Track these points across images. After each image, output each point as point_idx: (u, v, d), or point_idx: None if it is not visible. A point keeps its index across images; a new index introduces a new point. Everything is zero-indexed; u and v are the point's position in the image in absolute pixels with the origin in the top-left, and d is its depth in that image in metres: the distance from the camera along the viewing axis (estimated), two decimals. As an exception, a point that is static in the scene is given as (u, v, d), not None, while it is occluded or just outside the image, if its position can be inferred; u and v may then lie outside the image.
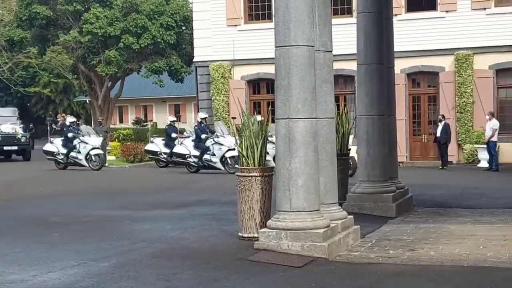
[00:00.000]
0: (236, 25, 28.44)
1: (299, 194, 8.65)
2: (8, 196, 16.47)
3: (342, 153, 12.99)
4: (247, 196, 9.42)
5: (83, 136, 25.80)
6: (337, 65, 24.15)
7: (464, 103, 25.94)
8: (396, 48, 15.34)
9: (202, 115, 25.11)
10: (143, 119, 53.28)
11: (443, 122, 24.64)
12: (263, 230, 8.82)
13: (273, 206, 9.27)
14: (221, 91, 28.60)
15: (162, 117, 52.06)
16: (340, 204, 10.22)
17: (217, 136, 23.56)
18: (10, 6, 46.14)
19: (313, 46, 8.88)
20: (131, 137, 37.53)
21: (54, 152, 26.31)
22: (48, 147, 26.67)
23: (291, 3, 8.59)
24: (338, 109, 13.84)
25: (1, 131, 32.13)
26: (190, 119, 49.55)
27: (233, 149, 21.91)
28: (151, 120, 49.91)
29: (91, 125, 37.02)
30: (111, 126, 41.21)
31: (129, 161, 30.11)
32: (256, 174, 9.41)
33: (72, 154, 25.73)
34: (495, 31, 25.39)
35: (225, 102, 28.58)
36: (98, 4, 35.08)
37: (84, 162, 25.54)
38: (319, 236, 8.46)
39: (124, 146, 31.79)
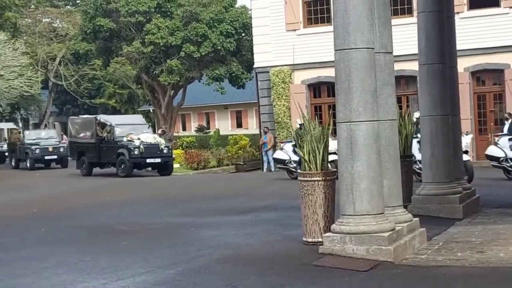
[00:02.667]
0: (295, 30, 28.45)
1: (362, 198, 8.59)
2: (78, 203, 16.85)
3: (406, 155, 12.82)
4: (310, 200, 9.40)
5: None
6: (399, 66, 23.91)
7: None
8: (458, 47, 15.08)
9: (299, 121, 22.77)
10: (205, 126, 53.81)
11: (510, 120, 24.06)
12: (327, 234, 8.79)
13: (336, 210, 9.23)
14: (281, 96, 28.65)
15: (224, 124, 52.48)
16: (405, 207, 10.10)
17: None
18: (75, 20, 47.33)
19: (373, 48, 8.82)
20: (194, 144, 37.97)
21: (285, 160, 22.55)
22: (278, 154, 23.20)
23: (350, 6, 8.56)
24: (401, 110, 13.71)
25: (143, 141, 27.24)
26: (252, 125, 49.76)
27: (465, 152, 18.87)
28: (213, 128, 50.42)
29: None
30: (174, 134, 41.74)
31: (193, 168, 30.46)
32: (318, 178, 9.39)
33: None
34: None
35: (286, 107, 28.61)
36: (159, 15, 35.63)
37: None
38: (384, 240, 8.38)
39: (188, 153, 32.18)
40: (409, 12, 26.26)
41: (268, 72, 28.96)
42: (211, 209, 14.67)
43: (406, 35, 21.44)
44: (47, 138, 36.30)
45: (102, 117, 30.60)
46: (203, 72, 36.53)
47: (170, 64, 34.74)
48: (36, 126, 54.42)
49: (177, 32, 34.52)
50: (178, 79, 35.75)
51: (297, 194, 9.96)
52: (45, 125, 51.59)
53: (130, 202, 17.17)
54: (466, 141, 19.61)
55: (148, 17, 35.80)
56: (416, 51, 13.20)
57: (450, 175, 12.86)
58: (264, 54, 28.98)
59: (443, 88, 12.91)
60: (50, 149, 34.85)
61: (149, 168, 28.49)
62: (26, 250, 10.08)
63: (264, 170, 28.32)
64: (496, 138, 21.64)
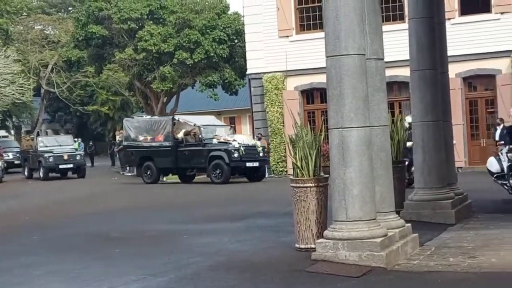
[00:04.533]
0: (288, 36, 28.51)
1: (354, 204, 8.61)
2: (73, 211, 16.83)
3: (398, 161, 12.86)
4: (303, 207, 9.42)
5: None
6: (391, 72, 24.04)
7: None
8: (450, 53, 15.15)
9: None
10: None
11: (501, 126, 24.14)
12: (319, 240, 8.80)
13: (329, 217, 9.25)
14: (275, 102, 28.67)
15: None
16: (398, 213, 10.13)
17: None
18: (67, 27, 47.33)
19: (364, 55, 8.86)
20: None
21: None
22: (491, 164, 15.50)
23: (341, 12, 8.60)
24: (393, 116, 13.75)
25: (242, 143, 25.07)
26: (246, 131, 49.76)
27: None
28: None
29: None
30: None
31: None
32: (311, 184, 9.41)
33: None
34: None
35: (279, 113, 28.63)
36: (151, 22, 35.63)
37: None
38: (377, 245, 8.39)
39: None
40: (401, 18, 26.34)
41: (261, 78, 29.00)
42: (205, 216, 14.68)
43: (398, 41, 21.52)
44: (62, 145, 33.17)
45: (181, 117, 28.03)
46: (196, 78, 36.50)
47: (163, 71, 34.74)
48: (28, 133, 54.33)
49: (169, 39, 34.52)
50: (171, 86, 35.72)
51: (291, 200, 9.98)
52: (38, 133, 51.47)
53: (124, 210, 17.16)
54: None
55: (140, 24, 35.78)
56: (408, 57, 13.26)
57: (442, 180, 12.90)
58: (257, 61, 29.02)
59: (435, 94, 12.96)
60: (65, 157, 31.86)
61: (243, 177, 25.80)
62: (21, 258, 10.06)
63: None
64: (500, 148, 15.96)
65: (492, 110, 21.99)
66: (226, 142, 25.08)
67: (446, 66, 14.07)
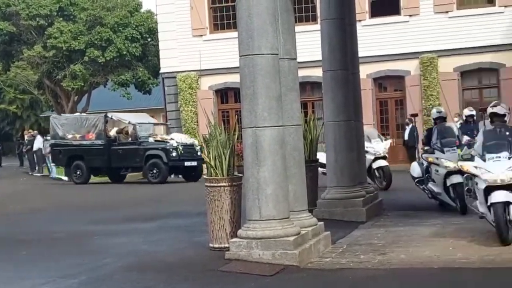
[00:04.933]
0: (201, 35, 28.43)
1: (268, 203, 8.64)
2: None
3: (311, 160, 13.01)
4: (217, 206, 9.39)
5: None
6: (304, 72, 24.37)
7: (430, 106, 26.15)
8: (361, 54, 15.45)
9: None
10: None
11: (410, 125, 24.83)
12: (233, 240, 8.80)
13: (243, 216, 9.25)
14: (189, 102, 28.54)
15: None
16: (311, 211, 10.23)
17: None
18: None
19: (277, 54, 8.90)
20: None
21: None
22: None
23: (253, 12, 8.61)
24: (306, 115, 13.89)
25: (180, 142, 24.42)
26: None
27: (382, 157, 18.39)
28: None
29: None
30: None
31: (99, 176, 29.81)
32: (225, 184, 9.39)
33: None
34: (458, 33, 25.71)
35: (193, 113, 28.52)
36: (61, 19, 34.83)
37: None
38: (290, 244, 8.45)
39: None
40: (314, 19, 26.67)
41: (174, 77, 28.80)
42: (119, 217, 14.43)
43: (311, 41, 21.77)
44: None
45: (115, 115, 26.72)
46: (108, 77, 35.94)
47: (73, 69, 34.03)
48: None
49: (80, 36, 33.84)
50: (82, 84, 35.05)
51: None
52: None
53: (35, 211, 16.68)
54: (385, 146, 18.95)
55: (50, 21, 34.92)
56: (320, 57, 13.42)
57: (354, 179, 13.13)
58: (171, 60, 28.80)
59: (346, 94, 13.17)
60: None
61: (179, 176, 25.25)
62: None
63: (173, 176, 27.85)
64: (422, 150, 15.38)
65: (416, 114, 22.43)
66: (164, 141, 24.50)
67: (357, 67, 14.34)
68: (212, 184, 9.44)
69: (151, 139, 24.82)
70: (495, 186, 9.08)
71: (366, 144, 17.44)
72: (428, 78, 26.27)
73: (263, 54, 8.65)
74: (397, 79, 27.33)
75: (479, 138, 9.84)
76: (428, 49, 26.13)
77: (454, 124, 15.74)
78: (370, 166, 17.80)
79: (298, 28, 23.16)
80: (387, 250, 9.29)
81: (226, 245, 9.04)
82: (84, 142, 25.61)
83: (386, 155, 18.72)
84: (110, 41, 33.66)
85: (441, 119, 14.42)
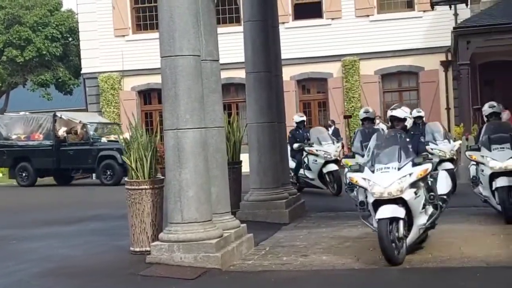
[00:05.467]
0: (124, 36, 28.09)
1: (190, 205, 8.56)
2: None
3: (234, 162, 12.97)
4: (138, 209, 9.24)
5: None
6: (228, 74, 24.39)
7: (352, 108, 26.58)
8: (285, 56, 15.54)
9: (297, 118, 18.11)
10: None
11: (333, 127, 25.15)
12: (154, 243, 8.67)
13: (165, 219, 9.13)
14: (111, 103, 28.14)
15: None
16: (234, 213, 10.20)
17: (310, 145, 17.31)
18: None
19: (199, 56, 8.84)
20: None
21: None
22: None
23: (175, 13, 8.51)
24: (230, 117, 13.85)
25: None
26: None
27: (334, 161, 17.04)
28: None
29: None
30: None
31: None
32: (146, 186, 9.25)
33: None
34: (379, 37, 26.22)
35: (116, 114, 28.13)
36: (-22, 17, 33.83)
37: (317, 183, 17.30)
38: (212, 247, 8.39)
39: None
40: (237, 21, 26.71)
41: (96, 78, 28.35)
42: (37, 220, 14.03)
43: (235, 43, 21.77)
44: None
45: (64, 114, 25.48)
46: (28, 77, 35.07)
47: (-9, 69, 33.10)
48: None
49: (-2, 35, 32.96)
50: (0, 84, 34.08)
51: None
52: None
53: None
54: (336, 148, 17.53)
55: (-34, 19, 33.89)
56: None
57: (277, 181, 13.15)
58: (92, 60, 28.33)
59: (270, 96, 13.19)
60: None
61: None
62: None
63: (94, 177, 27.25)
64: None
65: (350, 115, 22.60)
66: (118, 141, 23.96)
67: (280, 69, 14.38)
68: (133, 187, 9.29)
69: (104, 139, 24.18)
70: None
71: (316, 147, 17.17)
72: (350, 80, 26.68)
73: (185, 55, 8.56)
74: (320, 81, 27.67)
75: (370, 144, 8.96)
76: (350, 52, 26.55)
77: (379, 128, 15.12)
78: (321, 170, 16.96)
79: (222, 29, 23.13)
80: (309, 252, 9.33)
81: (148, 248, 8.90)
82: (31, 143, 24.56)
83: (338, 158, 17.38)
84: (29, 41, 32.87)
85: (368, 119, 14.60)
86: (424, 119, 16.32)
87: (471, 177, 11.59)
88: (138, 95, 28.57)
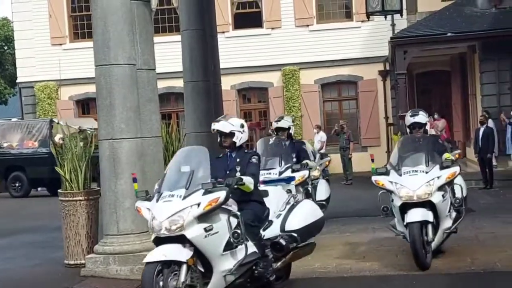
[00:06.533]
0: (61, 44, 27.59)
1: (126, 217, 8.42)
2: None
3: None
4: (72, 221, 9.05)
5: None
6: (168, 83, 24.22)
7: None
8: (225, 65, 15.53)
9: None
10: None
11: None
12: (90, 256, 8.51)
13: (100, 231, 8.96)
14: (48, 113, 27.57)
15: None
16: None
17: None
18: None
19: (135, 65, 8.73)
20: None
21: None
22: None
23: (109, 21, 8.39)
24: (169, 127, 13.70)
25: None
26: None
27: None
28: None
29: None
30: None
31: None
32: (81, 198, 9.08)
33: None
34: (319, 46, 26.40)
35: (53, 124, 27.58)
36: None
37: None
38: (149, 259, 8.24)
39: None
40: (177, 30, 26.46)
41: (32, 87, 27.76)
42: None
43: (174, 52, 21.59)
44: None
45: (61, 119, 23.66)
46: (-39, 86, 34.27)
47: None
48: None
49: None
50: None
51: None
52: None
53: None
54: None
55: None
56: (183, 68, 13.31)
57: (216, 190, 13.05)
58: (28, 69, 27.73)
59: (208, 105, 13.15)
60: None
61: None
62: None
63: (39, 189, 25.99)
64: None
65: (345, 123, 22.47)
66: None
67: (219, 78, 14.34)
68: (67, 198, 9.09)
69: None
70: None
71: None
72: (290, 89, 26.79)
73: (120, 64, 8.45)
74: (261, 91, 27.70)
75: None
76: (290, 61, 26.66)
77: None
78: None
79: (161, 38, 22.94)
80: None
81: (82, 261, 8.73)
82: (25, 151, 22.99)
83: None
84: (-37, 49, 32.08)
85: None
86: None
87: (382, 207, 8.66)
88: (76, 105, 28.09)
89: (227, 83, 23.14)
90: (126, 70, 8.49)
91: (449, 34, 20.45)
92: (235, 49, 25.94)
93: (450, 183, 8.48)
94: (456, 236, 9.20)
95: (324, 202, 10.23)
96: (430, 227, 8.11)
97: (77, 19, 27.83)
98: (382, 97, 26.58)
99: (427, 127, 9.13)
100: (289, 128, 10.29)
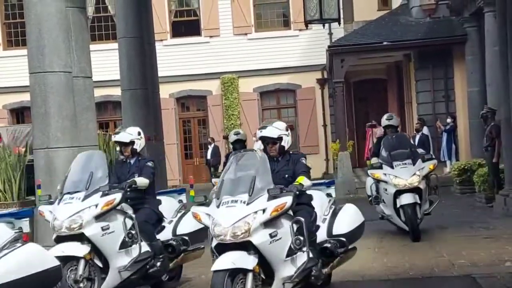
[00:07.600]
0: (-5, 52, 27.01)
1: (62, 228, 8.21)
2: None
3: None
4: (7, 233, 8.78)
5: None
6: (105, 91, 23.90)
7: (232, 125, 26.64)
8: (164, 73, 15.42)
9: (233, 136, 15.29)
10: None
11: (212, 145, 25.12)
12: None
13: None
14: (-15, 122, 26.91)
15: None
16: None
17: None
18: None
19: (71, 72, 8.59)
20: None
21: None
22: None
23: (44, 27, 8.24)
24: (106, 136, 13.52)
25: None
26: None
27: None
28: None
29: None
30: None
31: None
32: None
33: None
34: (257, 55, 26.47)
35: (-13, 133, 26.91)
36: None
37: None
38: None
39: None
40: (114, 37, 26.15)
41: (-34, 96, 27.03)
42: None
43: (112, 60, 21.29)
44: None
45: None
46: None
47: None
48: None
49: None
50: None
51: None
52: None
53: None
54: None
55: None
56: (121, 76, 13.17)
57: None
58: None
59: (147, 113, 13.05)
60: None
61: None
62: None
63: None
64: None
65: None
66: None
67: (157, 86, 14.23)
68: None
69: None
70: None
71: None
72: (229, 98, 26.77)
73: (55, 71, 8.32)
74: (200, 99, 27.61)
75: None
76: (228, 69, 26.65)
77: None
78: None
79: (98, 46, 22.61)
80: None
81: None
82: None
83: None
84: None
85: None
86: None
87: (372, 195, 11.07)
88: (10, 114, 27.47)
89: (166, 91, 22.95)
90: (62, 78, 8.35)
91: (385, 43, 20.81)
92: (174, 57, 25.80)
93: (428, 174, 11.00)
94: (393, 242, 10.24)
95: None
96: (418, 208, 10.43)
97: (11, 26, 27.26)
98: (320, 105, 26.81)
99: (399, 129, 11.68)
100: (245, 141, 10.22)
